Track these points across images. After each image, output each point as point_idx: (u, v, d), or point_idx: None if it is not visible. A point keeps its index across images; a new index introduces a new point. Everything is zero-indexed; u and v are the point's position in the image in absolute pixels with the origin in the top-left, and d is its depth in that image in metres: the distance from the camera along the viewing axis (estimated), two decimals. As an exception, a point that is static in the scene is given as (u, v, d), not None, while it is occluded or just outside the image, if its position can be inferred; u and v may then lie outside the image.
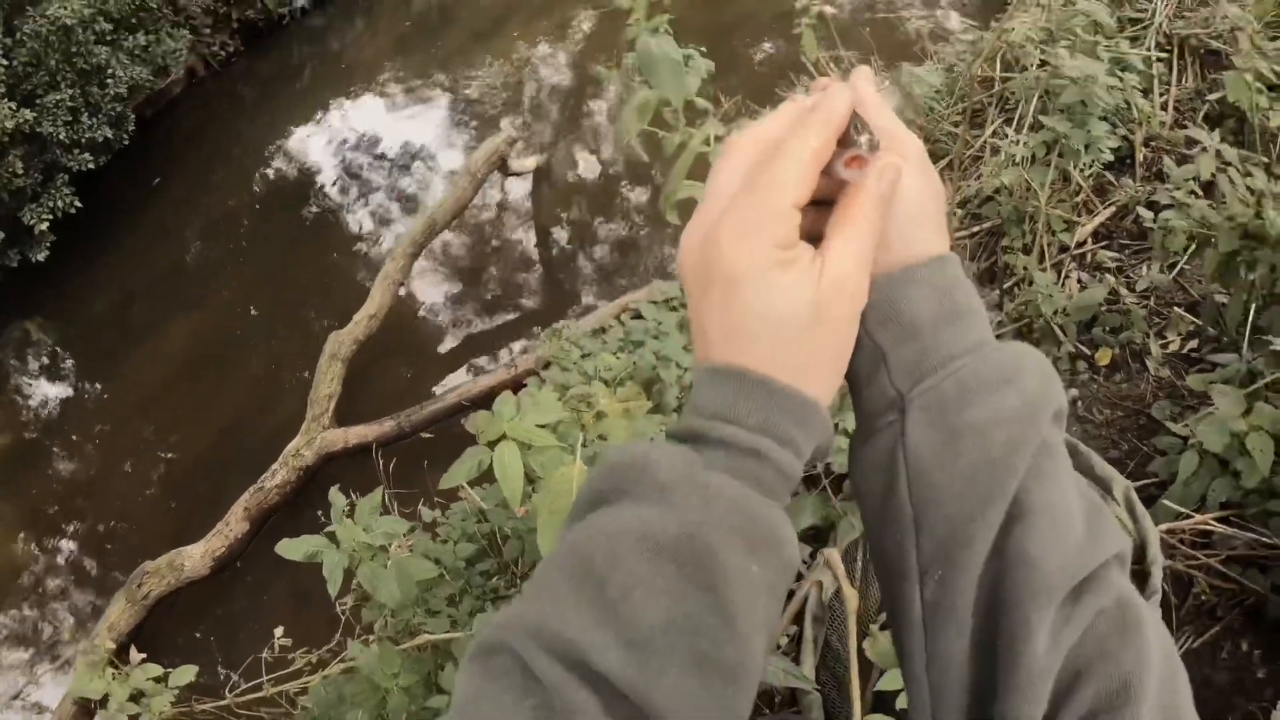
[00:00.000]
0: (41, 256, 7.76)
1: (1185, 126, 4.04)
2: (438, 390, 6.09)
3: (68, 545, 6.30)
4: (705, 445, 0.57)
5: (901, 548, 0.59)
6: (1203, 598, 2.58)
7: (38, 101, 7.69)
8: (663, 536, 0.53)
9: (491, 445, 1.88)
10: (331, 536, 2.23)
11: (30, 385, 7.64)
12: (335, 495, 2.35)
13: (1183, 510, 2.51)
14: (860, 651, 1.80)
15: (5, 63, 7.44)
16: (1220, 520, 2.50)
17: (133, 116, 8.53)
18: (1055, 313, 3.23)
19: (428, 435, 5.04)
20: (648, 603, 0.52)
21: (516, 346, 6.43)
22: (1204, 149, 3.73)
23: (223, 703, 2.97)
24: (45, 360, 7.88)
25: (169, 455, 6.53)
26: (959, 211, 3.92)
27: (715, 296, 0.58)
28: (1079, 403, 3.12)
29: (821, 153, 0.60)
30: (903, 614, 0.60)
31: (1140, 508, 2.30)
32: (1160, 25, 4.47)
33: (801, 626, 2.04)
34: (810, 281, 0.57)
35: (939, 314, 0.61)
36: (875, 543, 0.63)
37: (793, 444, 0.58)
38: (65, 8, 7.52)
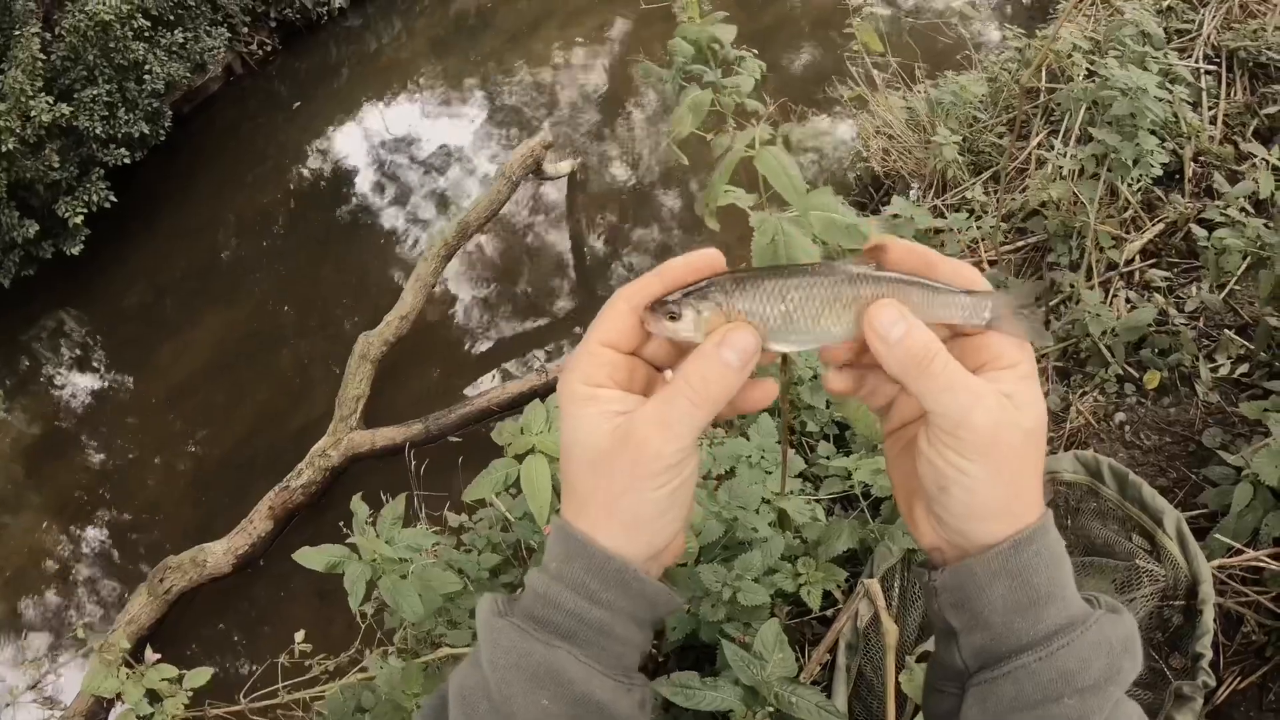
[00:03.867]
0: (76, 249, 7.81)
1: (1234, 141, 3.92)
2: (467, 393, 6.06)
3: (92, 535, 6.33)
4: (525, 591, 0.65)
5: None
6: (1252, 637, 2.48)
7: (75, 96, 7.76)
8: (477, 675, 0.62)
9: (519, 458, 1.83)
10: (354, 546, 2.17)
11: (61, 375, 7.70)
12: (357, 504, 2.29)
13: (1234, 545, 2.41)
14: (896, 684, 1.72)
15: (44, 57, 7.50)
16: (1273, 557, 2.40)
17: (169, 113, 8.59)
18: (1104, 333, 3.13)
19: (456, 439, 5.01)
20: None
21: (546, 352, 6.38)
22: (1257, 165, 3.62)
23: (236, 708, 2.92)
24: (76, 351, 7.95)
25: (195, 450, 6.55)
26: (1004, 225, 3.82)
27: None
28: (1126, 427, 3.01)
29: (635, 295, 0.65)
30: None
31: (1193, 543, 2.20)
32: (1208, 37, 4.36)
33: (834, 655, 1.96)
34: (603, 423, 0.62)
35: (1010, 604, 0.62)
36: None
37: (585, 590, 0.62)
38: (104, 4, 7.59)
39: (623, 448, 0.61)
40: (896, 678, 1.70)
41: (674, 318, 0.63)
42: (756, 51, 1.90)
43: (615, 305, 0.65)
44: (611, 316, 0.65)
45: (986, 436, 0.60)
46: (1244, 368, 3.08)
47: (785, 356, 1.93)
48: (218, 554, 5.25)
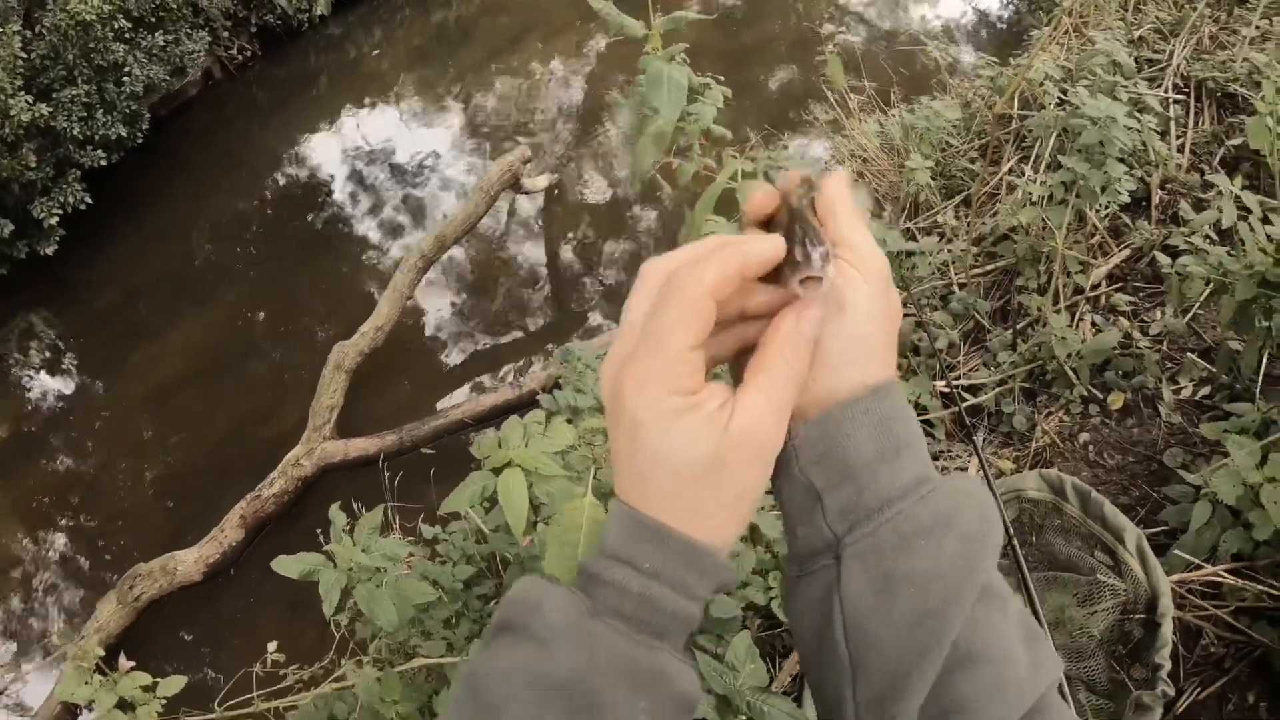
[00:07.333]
0: (50, 250, 7.79)
1: (1201, 170, 4.01)
2: (441, 405, 6.06)
3: (60, 541, 6.27)
4: (601, 585, 0.59)
5: (839, 690, 0.60)
6: (1211, 649, 2.54)
7: (54, 96, 7.74)
8: (552, 678, 0.55)
9: (497, 471, 1.85)
10: (329, 555, 2.19)
11: (31, 378, 7.63)
12: (335, 513, 2.31)
13: (1193, 560, 2.48)
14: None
15: (24, 55, 7.47)
16: (1231, 572, 2.46)
17: (147, 115, 8.57)
18: (1069, 355, 3.20)
19: (429, 450, 5.02)
20: None
21: (521, 365, 6.40)
22: (1221, 193, 3.71)
23: (211, 716, 2.91)
24: (47, 354, 7.88)
25: (167, 457, 6.50)
26: (974, 249, 3.89)
27: (620, 435, 0.60)
28: (1090, 447, 3.08)
29: (720, 287, 0.58)
30: None
31: (1152, 558, 2.27)
32: (1178, 67, 4.46)
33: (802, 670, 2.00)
34: (711, 430, 0.58)
35: (876, 452, 0.61)
36: (814, 678, 0.63)
37: (685, 588, 0.59)
38: (86, 3, 7.57)
39: (741, 447, 0.58)
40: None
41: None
42: (723, 78, 1.91)
43: (694, 299, 0.58)
44: (695, 313, 0.58)
45: (879, 269, 0.62)
46: (1205, 390, 3.15)
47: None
48: (188, 562, 5.23)
